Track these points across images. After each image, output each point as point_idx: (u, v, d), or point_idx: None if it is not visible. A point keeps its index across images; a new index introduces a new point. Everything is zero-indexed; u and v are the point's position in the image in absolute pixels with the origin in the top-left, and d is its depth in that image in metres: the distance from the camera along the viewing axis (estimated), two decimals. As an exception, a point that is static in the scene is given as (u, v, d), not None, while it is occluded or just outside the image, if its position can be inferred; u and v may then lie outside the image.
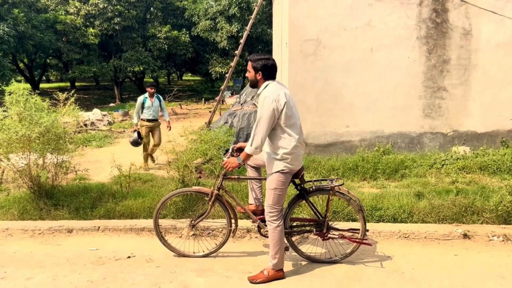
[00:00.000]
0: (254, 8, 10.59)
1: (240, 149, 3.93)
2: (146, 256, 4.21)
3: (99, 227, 4.83)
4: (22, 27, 18.85)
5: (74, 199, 5.51)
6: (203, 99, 23.26)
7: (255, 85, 3.66)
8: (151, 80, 35.16)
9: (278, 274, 3.69)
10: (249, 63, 3.62)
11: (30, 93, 5.25)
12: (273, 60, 3.60)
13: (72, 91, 5.80)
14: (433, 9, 7.34)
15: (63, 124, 5.35)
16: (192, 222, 4.15)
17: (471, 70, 7.46)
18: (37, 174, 5.22)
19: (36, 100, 5.13)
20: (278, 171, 3.55)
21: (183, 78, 47.67)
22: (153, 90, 8.26)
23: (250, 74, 3.63)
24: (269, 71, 3.55)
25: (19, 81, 31.37)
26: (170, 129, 8.20)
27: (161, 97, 8.51)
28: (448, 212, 4.93)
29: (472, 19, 7.33)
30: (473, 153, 7.28)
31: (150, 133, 8.25)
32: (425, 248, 4.36)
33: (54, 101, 5.77)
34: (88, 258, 4.18)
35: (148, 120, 8.17)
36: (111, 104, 23.64)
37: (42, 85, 31.68)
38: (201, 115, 16.81)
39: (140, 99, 8.20)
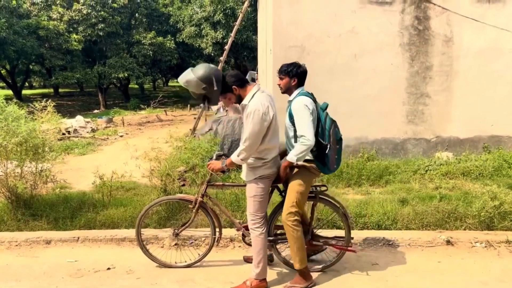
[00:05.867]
0: (239, 15, 10.58)
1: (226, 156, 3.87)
2: (126, 267, 4.11)
3: (78, 238, 4.71)
4: (4, 33, 18.52)
5: (53, 209, 5.36)
6: (188, 105, 23.13)
7: (239, 100, 3.56)
8: (136, 86, 34.96)
9: (262, 284, 3.62)
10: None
11: (7, 101, 5.12)
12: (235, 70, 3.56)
13: (49, 101, 5.65)
14: (415, 16, 7.41)
15: (41, 133, 5.21)
16: (176, 231, 4.07)
17: (453, 77, 7.54)
18: (14, 184, 5.07)
19: (13, 109, 4.99)
20: (256, 178, 3.50)
21: (169, 84, 47.48)
22: None
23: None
24: (240, 81, 3.49)
25: (2, 88, 30.85)
26: None
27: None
28: (432, 219, 4.94)
29: (454, 27, 7.42)
30: (456, 158, 7.34)
31: None
32: (408, 255, 4.35)
33: (33, 109, 5.65)
34: (67, 270, 4.06)
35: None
36: (96, 111, 23.35)
37: (24, 92, 31.20)
38: (186, 122, 16.68)
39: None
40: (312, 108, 3.46)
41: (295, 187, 3.55)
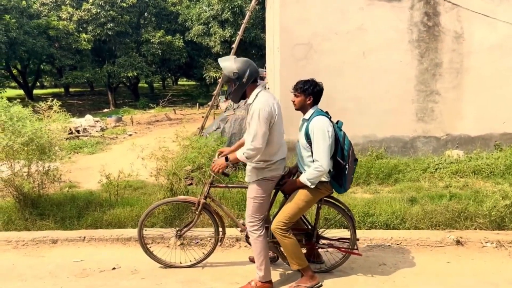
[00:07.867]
0: (247, 13, 10.53)
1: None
2: (131, 267, 4.10)
3: (84, 237, 4.72)
4: (14, 33, 18.73)
5: (60, 208, 5.37)
6: (197, 104, 23.15)
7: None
8: (146, 85, 35.10)
9: (266, 285, 3.57)
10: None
11: (12, 101, 5.15)
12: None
13: (54, 100, 5.68)
14: (424, 12, 7.30)
15: (48, 133, 5.22)
16: (178, 232, 4.04)
17: (463, 74, 7.41)
18: (21, 184, 5.09)
19: (17, 109, 5.01)
20: (258, 180, 3.46)
21: (178, 83, 47.57)
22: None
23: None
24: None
25: (14, 88, 31.24)
26: None
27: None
28: (441, 218, 4.85)
29: (464, 22, 7.29)
30: (467, 156, 7.22)
31: None
32: (417, 256, 4.27)
33: (39, 108, 5.67)
34: (72, 270, 4.06)
35: None
36: (105, 110, 23.49)
37: (36, 91, 31.48)
38: (195, 120, 16.68)
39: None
40: (331, 132, 3.37)
41: (298, 201, 3.47)
